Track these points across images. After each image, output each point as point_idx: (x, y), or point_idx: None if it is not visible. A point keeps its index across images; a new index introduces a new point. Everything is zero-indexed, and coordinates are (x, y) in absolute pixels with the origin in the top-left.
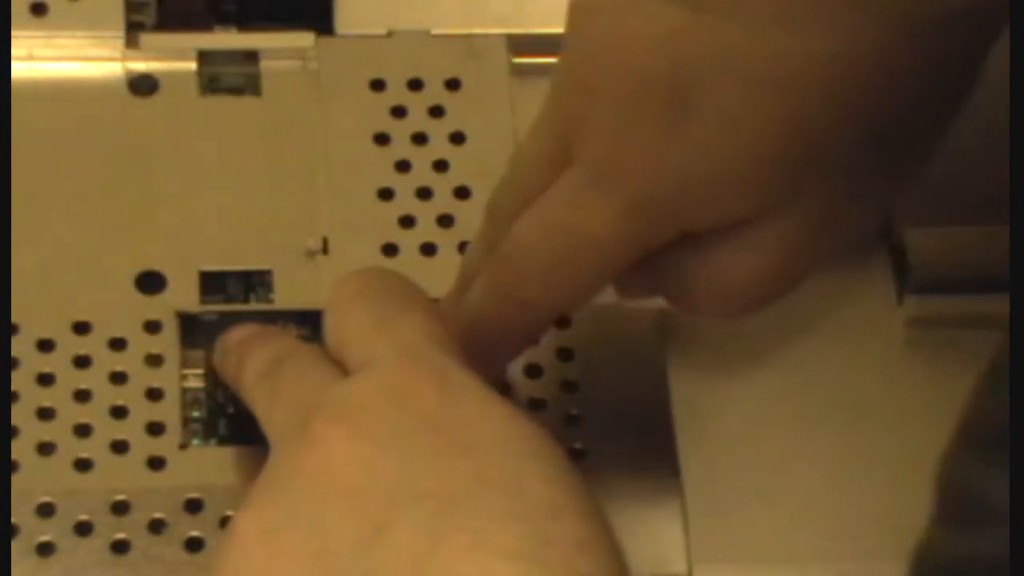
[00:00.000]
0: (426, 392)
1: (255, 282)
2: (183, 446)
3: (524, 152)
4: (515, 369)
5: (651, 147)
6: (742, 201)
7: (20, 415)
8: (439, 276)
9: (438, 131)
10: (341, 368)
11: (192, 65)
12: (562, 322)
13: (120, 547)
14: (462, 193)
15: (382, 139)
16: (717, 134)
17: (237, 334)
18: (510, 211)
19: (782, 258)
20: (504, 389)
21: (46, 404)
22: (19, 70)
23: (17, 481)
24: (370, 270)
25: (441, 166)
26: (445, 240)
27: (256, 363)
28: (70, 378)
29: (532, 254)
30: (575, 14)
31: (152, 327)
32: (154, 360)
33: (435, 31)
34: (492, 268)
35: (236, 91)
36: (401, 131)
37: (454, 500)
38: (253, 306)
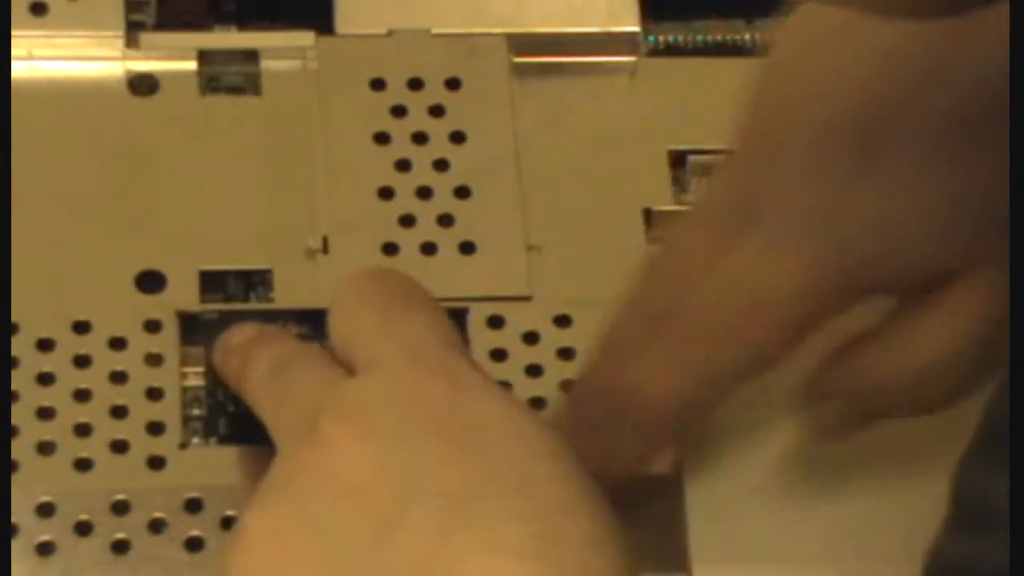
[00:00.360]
0: (435, 391)
1: (255, 281)
2: (183, 446)
3: (698, 214)
4: (515, 369)
5: (837, 195)
6: (937, 246)
7: (20, 415)
8: (439, 275)
9: (438, 130)
10: (347, 368)
11: (192, 65)
12: (562, 322)
13: (120, 547)
14: (462, 192)
15: (382, 138)
16: (910, 172)
17: (239, 334)
18: (679, 286)
19: (987, 322)
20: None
21: (46, 404)
22: (19, 70)
23: (17, 481)
24: (374, 269)
25: (441, 165)
26: (445, 239)
27: (260, 365)
28: (70, 378)
29: (712, 321)
30: (773, 65)
31: (152, 326)
32: (154, 360)
33: (435, 31)
34: (666, 342)
35: (236, 91)
36: (401, 130)
37: (464, 499)
38: (253, 305)
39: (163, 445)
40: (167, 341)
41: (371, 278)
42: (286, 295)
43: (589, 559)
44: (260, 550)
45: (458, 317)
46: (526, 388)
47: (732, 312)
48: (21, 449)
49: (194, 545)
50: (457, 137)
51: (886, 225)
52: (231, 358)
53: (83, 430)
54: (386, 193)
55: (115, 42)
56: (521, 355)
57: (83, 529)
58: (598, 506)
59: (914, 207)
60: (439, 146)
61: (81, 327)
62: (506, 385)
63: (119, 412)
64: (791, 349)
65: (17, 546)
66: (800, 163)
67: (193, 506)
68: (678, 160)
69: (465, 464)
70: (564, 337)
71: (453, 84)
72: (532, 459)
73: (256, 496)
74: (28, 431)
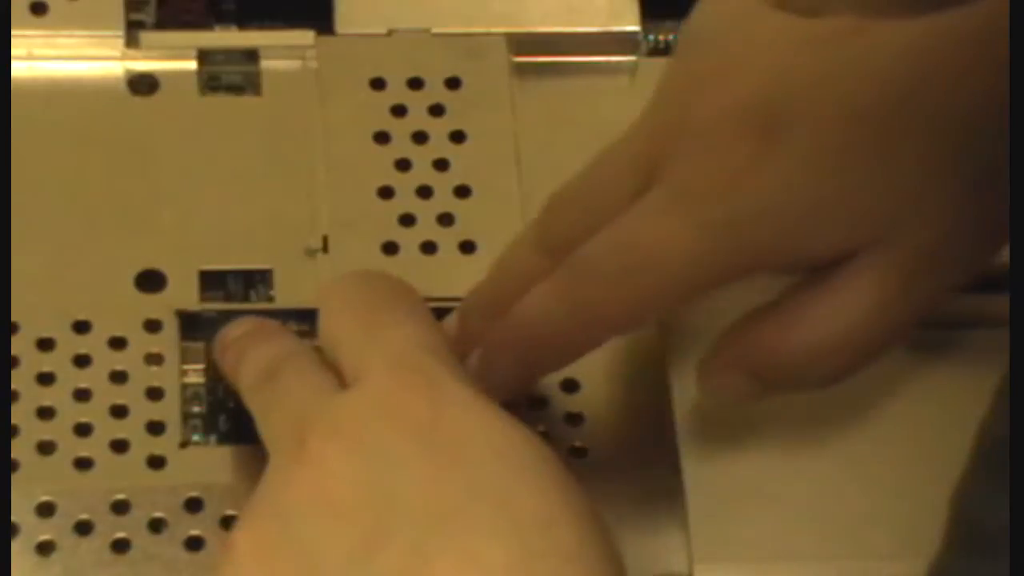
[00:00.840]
0: (416, 404)
1: (255, 281)
2: (183, 445)
3: (601, 169)
4: None
5: (737, 170)
6: (829, 232)
7: (20, 414)
8: (439, 275)
9: (438, 130)
10: (337, 371)
11: (192, 64)
12: None
13: (120, 546)
14: (462, 192)
15: (382, 138)
16: (807, 162)
17: (236, 329)
18: (576, 223)
19: (881, 303)
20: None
21: (46, 403)
22: (19, 70)
23: (17, 480)
24: (362, 273)
25: (441, 165)
26: (445, 239)
27: (254, 363)
28: (70, 377)
29: (601, 268)
30: (685, 40)
31: (152, 326)
32: (154, 359)
33: (435, 30)
34: (557, 280)
35: (236, 90)
36: (401, 130)
37: (444, 517)
38: (253, 305)
39: (163, 445)
40: (167, 341)
41: (358, 281)
42: (286, 294)
43: (570, 571)
44: (246, 567)
45: None
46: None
47: (623, 264)
48: (21, 449)
49: (194, 544)
50: (457, 137)
51: (780, 210)
52: (228, 354)
53: (83, 429)
54: (386, 192)
55: (115, 42)
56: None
57: (83, 528)
58: (581, 518)
59: (808, 196)
60: (439, 146)
61: (81, 326)
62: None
63: (119, 412)
64: (675, 308)
65: (17, 546)
66: (704, 139)
67: (193, 505)
68: None
69: (446, 481)
70: None
71: (453, 84)
72: (513, 473)
73: (246, 509)
74: (28, 431)
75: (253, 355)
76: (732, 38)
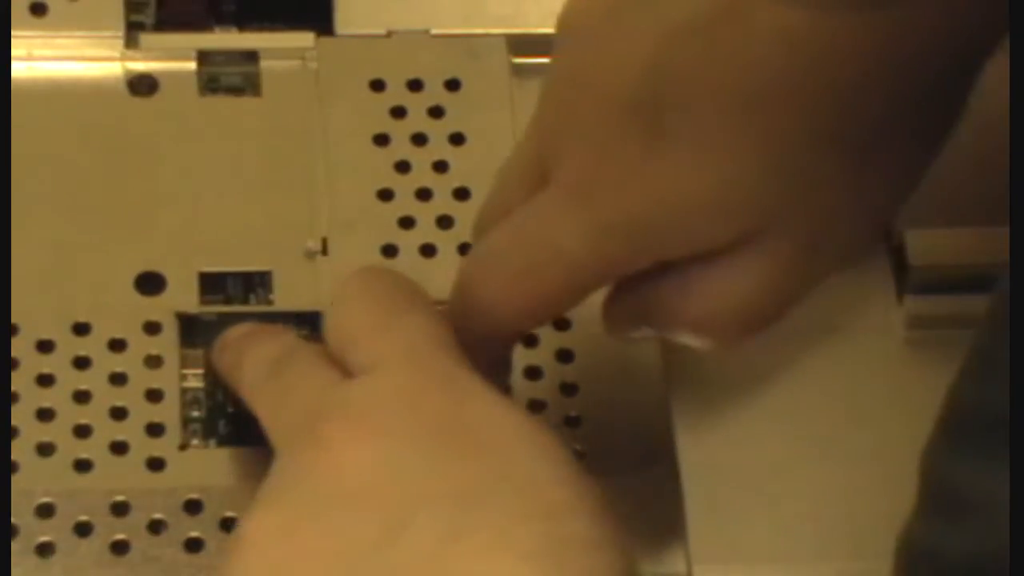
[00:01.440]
0: (433, 394)
1: (255, 283)
2: (183, 447)
3: (507, 170)
4: (514, 371)
5: (625, 171)
6: (718, 226)
7: (20, 416)
8: (439, 277)
9: (438, 131)
10: (342, 369)
11: (192, 65)
12: (561, 324)
13: (120, 547)
14: (462, 194)
15: (382, 139)
16: (690, 158)
17: (235, 331)
18: (491, 227)
19: (771, 282)
20: (505, 391)
21: (46, 405)
22: (19, 70)
23: (17, 481)
24: (372, 269)
25: (441, 167)
26: (445, 241)
27: (256, 362)
28: (70, 379)
29: (500, 259)
30: (561, 35)
31: (152, 328)
32: (154, 361)
33: (435, 31)
34: (461, 273)
35: (236, 91)
36: (401, 131)
37: (471, 499)
38: (253, 307)
39: (163, 446)
40: (167, 342)
41: (369, 277)
42: (286, 297)
43: (592, 561)
44: (268, 550)
45: None
46: (525, 390)
47: (522, 261)
48: (21, 450)
49: (193, 546)
50: (457, 138)
51: (669, 206)
52: (226, 353)
53: (83, 431)
54: (386, 194)
55: (115, 42)
56: (520, 358)
57: (83, 530)
58: (599, 508)
59: (696, 188)
60: (439, 147)
61: (81, 328)
62: (505, 389)
63: (119, 413)
64: (578, 299)
65: (17, 547)
66: (587, 138)
67: (192, 507)
68: None
69: (471, 465)
70: (562, 339)
71: (453, 85)
72: (535, 461)
73: (258, 500)
74: (28, 432)
75: (254, 353)
76: (606, 30)
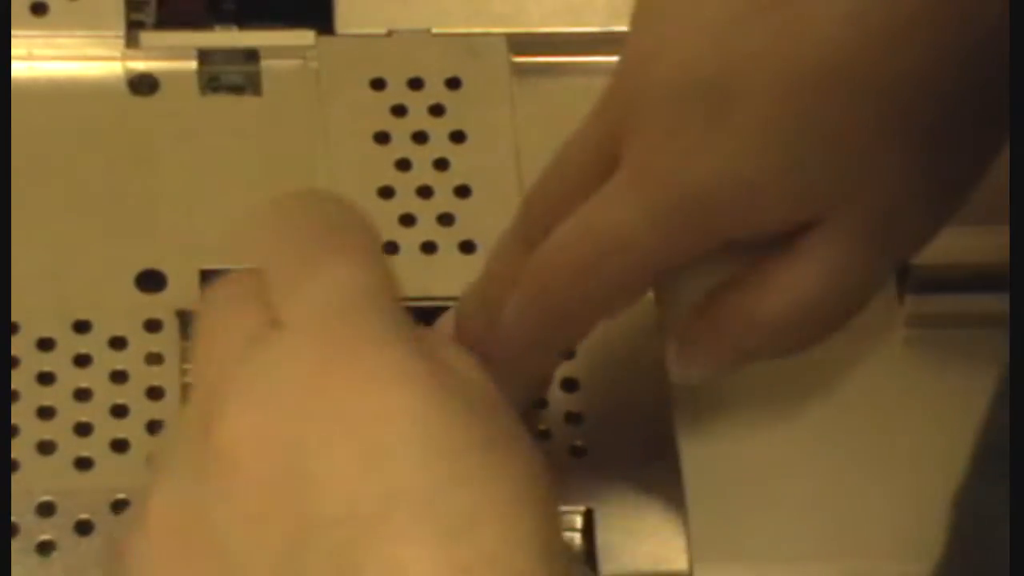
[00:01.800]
0: (341, 376)
1: None
2: None
3: (568, 155)
4: None
5: (690, 151)
6: (784, 207)
7: (20, 414)
8: (439, 275)
9: (438, 130)
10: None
11: (192, 64)
12: None
13: None
14: (462, 192)
15: (382, 138)
16: (757, 138)
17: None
18: (550, 213)
19: (845, 267)
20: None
21: (46, 403)
22: (19, 70)
23: (17, 480)
24: (309, 195)
25: (441, 165)
26: (445, 239)
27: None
28: (70, 377)
29: (566, 257)
30: (634, 16)
31: (152, 326)
32: (154, 359)
33: (435, 30)
34: (530, 274)
35: (236, 90)
36: (401, 130)
37: (364, 525)
38: None
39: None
40: (167, 340)
41: (302, 204)
42: None
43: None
44: (160, 546)
45: None
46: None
47: (585, 253)
48: (21, 448)
49: None
50: (457, 137)
51: (732, 187)
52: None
53: (83, 429)
54: (386, 192)
55: (115, 42)
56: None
57: (83, 528)
58: (509, 506)
59: (759, 170)
60: (439, 146)
61: (81, 326)
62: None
63: (119, 411)
64: (647, 288)
65: (17, 545)
66: (653, 119)
67: None
68: None
69: (366, 480)
70: None
71: (453, 84)
72: (433, 461)
73: (160, 472)
74: (28, 430)
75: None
76: (674, 12)
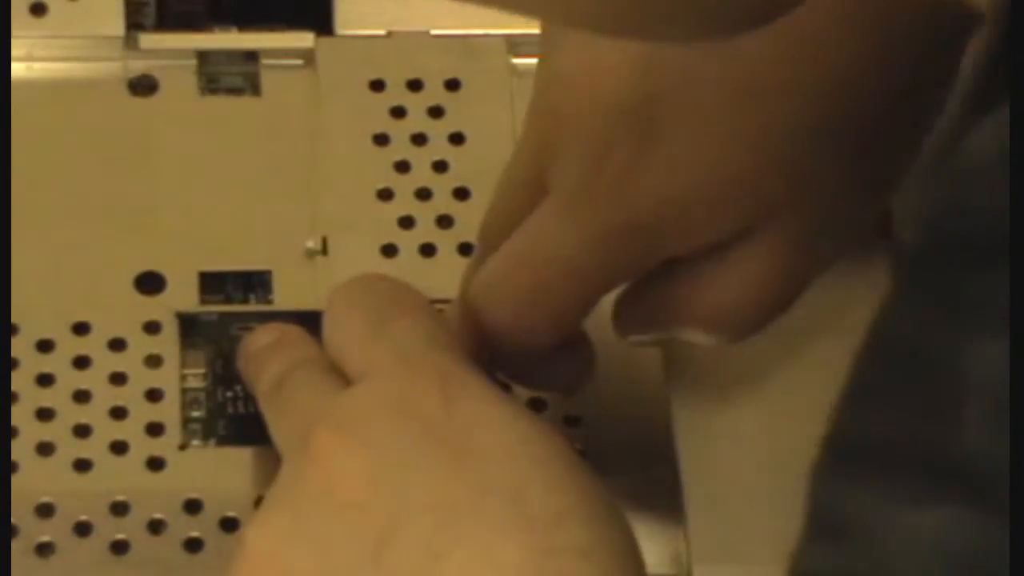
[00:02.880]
0: (426, 397)
1: (254, 282)
2: (183, 447)
3: (507, 178)
4: None
5: (620, 175)
6: (720, 219)
7: (20, 415)
8: (438, 277)
9: (437, 132)
10: (344, 379)
11: (192, 65)
12: None
13: (119, 547)
14: (461, 194)
15: (381, 139)
16: (685, 157)
17: (257, 340)
18: (496, 236)
19: (780, 269)
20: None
21: (46, 404)
22: (19, 70)
23: (17, 481)
24: (365, 276)
25: (440, 167)
26: (444, 241)
27: (267, 376)
28: (70, 378)
29: (507, 284)
30: (547, 43)
31: (152, 328)
32: (154, 361)
33: (435, 31)
34: (464, 300)
35: (236, 91)
36: (401, 131)
37: (454, 512)
38: (252, 307)
39: (162, 446)
40: (167, 342)
41: (362, 284)
42: (285, 296)
43: (578, 569)
44: (259, 566)
45: None
46: (525, 390)
47: (529, 281)
48: (21, 450)
49: (193, 546)
50: (456, 138)
51: (670, 200)
52: (249, 366)
53: (83, 431)
54: (385, 194)
55: (115, 42)
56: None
57: (82, 530)
58: (594, 511)
59: (694, 183)
60: (438, 147)
61: (81, 328)
62: (505, 387)
63: (119, 413)
64: (589, 310)
65: (17, 547)
66: (584, 142)
67: (192, 507)
68: None
69: (457, 476)
70: None
71: (453, 85)
72: (525, 466)
73: (259, 510)
74: (28, 432)
75: (268, 366)
76: (589, 37)
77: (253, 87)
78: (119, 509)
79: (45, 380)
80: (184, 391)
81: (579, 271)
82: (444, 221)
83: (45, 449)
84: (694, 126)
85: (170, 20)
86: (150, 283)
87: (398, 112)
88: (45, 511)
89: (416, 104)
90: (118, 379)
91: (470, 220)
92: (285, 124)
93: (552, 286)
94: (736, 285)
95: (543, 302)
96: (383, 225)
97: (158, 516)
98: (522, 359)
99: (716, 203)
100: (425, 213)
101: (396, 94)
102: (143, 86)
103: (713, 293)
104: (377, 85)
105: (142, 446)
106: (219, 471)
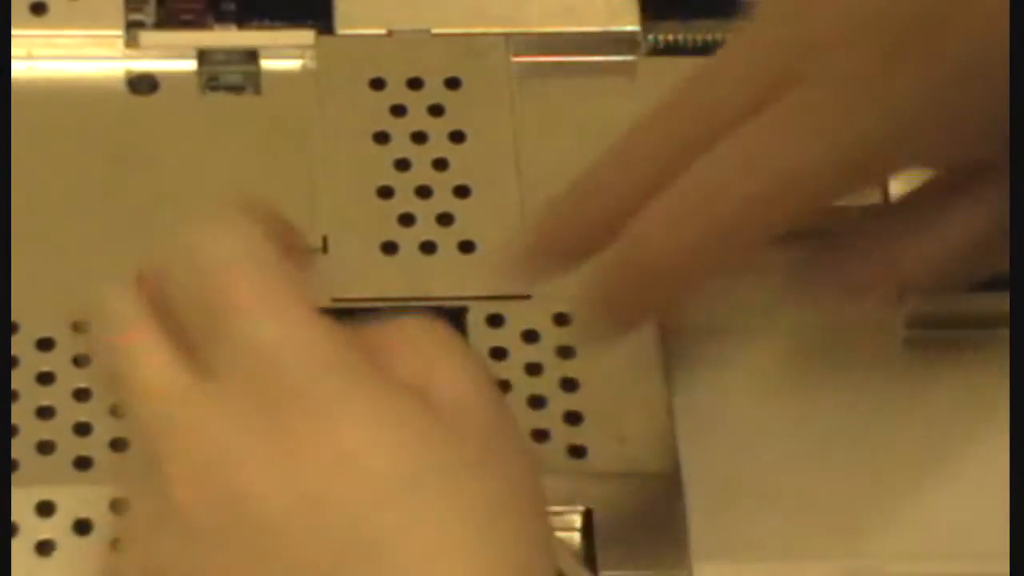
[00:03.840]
0: (277, 429)
1: None
2: None
3: (732, 64)
4: (515, 368)
5: (866, 91)
6: (964, 150)
7: (20, 413)
8: (439, 275)
9: (438, 130)
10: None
11: (192, 64)
12: (562, 320)
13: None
14: (462, 192)
15: (382, 138)
16: (965, 69)
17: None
18: (692, 138)
19: (992, 226)
20: (503, 386)
21: (46, 403)
22: (19, 70)
23: (17, 479)
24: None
25: (441, 165)
26: (445, 238)
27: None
28: (70, 377)
29: (734, 188)
30: None
31: None
32: None
33: (435, 30)
34: (682, 199)
35: (236, 90)
36: (401, 130)
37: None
38: None
39: None
40: None
41: (255, 219)
42: None
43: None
44: None
45: (457, 316)
46: (526, 386)
47: (753, 190)
48: (21, 448)
49: None
50: (457, 137)
51: (912, 128)
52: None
53: (83, 429)
54: (385, 192)
55: (115, 41)
56: (521, 353)
57: (82, 528)
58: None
59: (967, 98)
60: (439, 145)
61: (81, 326)
62: (505, 384)
63: (118, 411)
64: (806, 220)
65: (17, 545)
66: (826, 57)
67: None
68: None
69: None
70: (564, 335)
71: (453, 84)
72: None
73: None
74: (28, 430)
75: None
76: None
77: (253, 86)
78: (119, 507)
79: (45, 378)
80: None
81: (810, 183)
82: (444, 219)
83: (45, 447)
84: (978, 39)
85: (170, 19)
86: None
87: (398, 110)
88: (45, 509)
89: (416, 102)
90: None
91: (470, 218)
92: (285, 122)
93: (787, 191)
94: (971, 221)
95: (772, 207)
96: (383, 223)
97: None
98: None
99: (962, 130)
100: (425, 211)
101: (396, 93)
102: (143, 85)
103: (950, 229)
104: (377, 83)
105: None
106: None
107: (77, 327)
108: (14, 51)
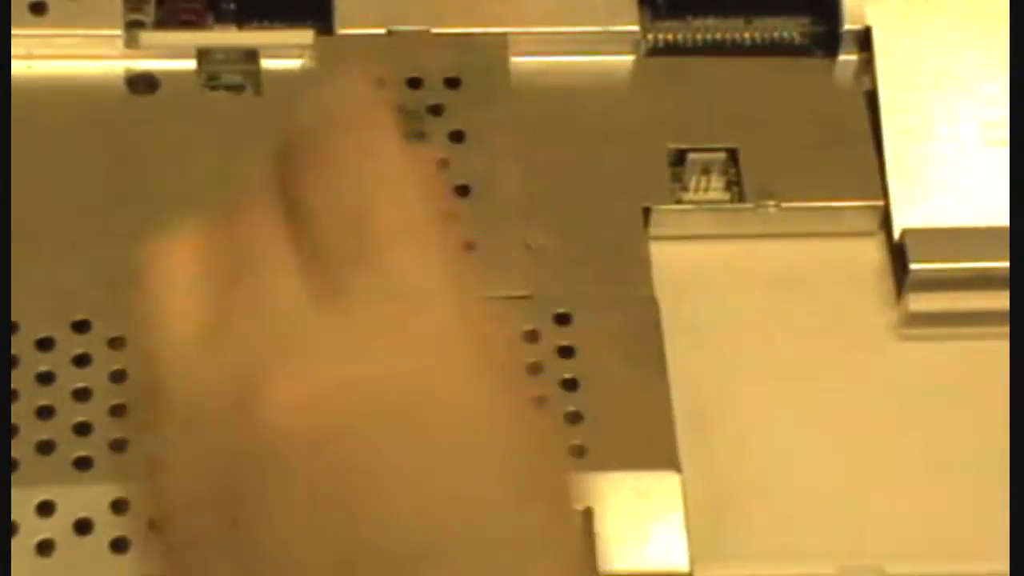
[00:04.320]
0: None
1: None
2: None
3: None
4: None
5: None
6: None
7: (20, 413)
8: None
9: (438, 130)
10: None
11: (192, 64)
12: (562, 320)
13: (119, 545)
14: (462, 192)
15: None
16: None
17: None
18: None
19: None
20: None
21: (46, 403)
22: (19, 69)
23: (17, 479)
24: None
25: (441, 165)
26: None
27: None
28: (70, 376)
29: None
30: None
31: None
32: None
33: (435, 30)
34: None
35: (236, 89)
36: (401, 130)
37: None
38: None
39: None
40: None
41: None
42: None
43: None
44: None
45: None
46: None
47: None
48: (21, 448)
49: None
50: (456, 136)
51: None
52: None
53: (83, 429)
54: None
55: (115, 41)
56: (521, 354)
57: (82, 528)
58: None
59: None
60: (438, 145)
61: (81, 326)
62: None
63: (119, 411)
64: None
65: (17, 545)
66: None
67: None
68: (678, 159)
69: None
70: (564, 336)
71: (453, 83)
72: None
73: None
74: (28, 430)
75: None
76: None
77: (253, 85)
78: (119, 507)
79: (45, 378)
80: None
81: None
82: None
83: (45, 447)
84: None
85: (170, 18)
86: None
87: (398, 110)
88: (45, 509)
89: (416, 102)
90: (118, 377)
91: (471, 218)
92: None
93: None
94: None
95: None
96: None
97: None
98: None
99: None
100: None
101: (396, 92)
102: (143, 85)
103: None
104: (377, 83)
105: (142, 444)
106: None
107: (77, 327)
108: (14, 51)
